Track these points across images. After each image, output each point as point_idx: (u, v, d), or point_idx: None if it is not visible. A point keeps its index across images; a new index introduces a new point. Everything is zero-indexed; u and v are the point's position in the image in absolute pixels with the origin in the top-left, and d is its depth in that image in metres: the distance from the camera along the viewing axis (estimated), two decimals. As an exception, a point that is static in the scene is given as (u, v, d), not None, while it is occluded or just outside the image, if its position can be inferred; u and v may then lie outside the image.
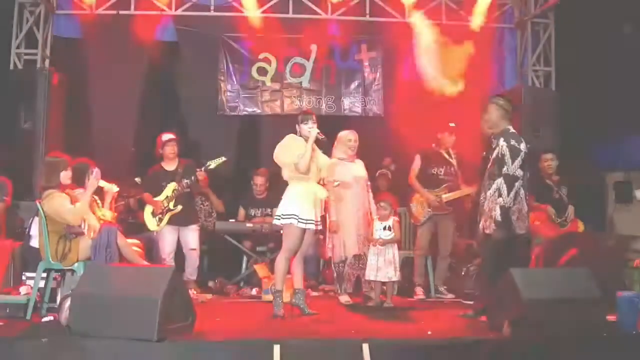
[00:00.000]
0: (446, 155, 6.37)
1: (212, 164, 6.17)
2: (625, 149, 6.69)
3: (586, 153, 7.25)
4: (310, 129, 5.22)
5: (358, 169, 5.99)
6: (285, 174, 5.27)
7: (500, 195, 4.83)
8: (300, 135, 5.30)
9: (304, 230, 5.15)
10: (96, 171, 5.09)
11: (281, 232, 5.39)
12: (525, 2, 7.62)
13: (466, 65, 7.34)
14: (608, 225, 7.11)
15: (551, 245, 5.62)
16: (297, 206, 5.10)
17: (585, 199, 6.95)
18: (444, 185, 6.30)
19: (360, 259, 5.83)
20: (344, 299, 5.83)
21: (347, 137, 5.96)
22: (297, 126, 5.32)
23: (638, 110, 6.61)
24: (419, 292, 6.22)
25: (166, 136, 6.37)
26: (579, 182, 6.80)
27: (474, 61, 7.42)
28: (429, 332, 4.54)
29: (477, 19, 7.46)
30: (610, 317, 4.56)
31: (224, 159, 6.24)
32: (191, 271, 6.32)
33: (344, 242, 5.78)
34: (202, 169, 6.17)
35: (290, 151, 5.17)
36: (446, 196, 6.27)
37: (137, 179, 6.78)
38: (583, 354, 4.17)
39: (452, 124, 6.40)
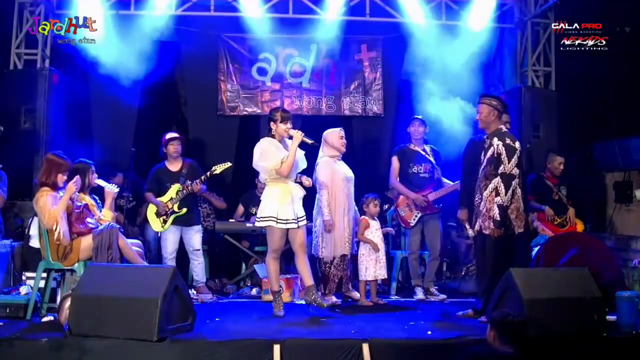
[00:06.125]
0: (423, 152, 6.34)
1: (218, 169, 6.19)
2: (625, 149, 6.68)
3: (586, 153, 7.25)
4: (291, 130, 5.21)
5: (347, 168, 5.96)
6: (263, 177, 5.28)
7: (498, 194, 4.84)
8: (275, 134, 5.26)
9: (285, 231, 5.17)
10: (76, 178, 5.06)
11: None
12: (526, 2, 7.62)
13: (466, 65, 7.36)
14: (608, 225, 7.10)
15: (551, 245, 5.62)
16: (274, 207, 5.12)
17: (585, 199, 6.96)
18: (429, 186, 6.27)
19: (344, 260, 5.82)
20: (332, 300, 5.76)
21: (340, 135, 5.87)
22: (272, 124, 5.25)
23: (638, 110, 6.61)
24: (419, 293, 6.21)
25: (170, 135, 6.41)
26: (578, 182, 6.81)
27: (474, 61, 7.44)
28: (429, 332, 4.55)
29: (477, 19, 7.45)
30: (610, 317, 4.57)
31: (229, 164, 6.25)
32: (199, 274, 6.31)
33: (334, 242, 5.75)
34: (208, 173, 6.17)
35: (271, 156, 5.14)
36: (433, 195, 6.24)
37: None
38: (583, 354, 4.17)
39: (419, 116, 6.41)
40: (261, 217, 5.19)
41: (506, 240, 4.92)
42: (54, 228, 4.89)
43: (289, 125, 5.25)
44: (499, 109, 5.05)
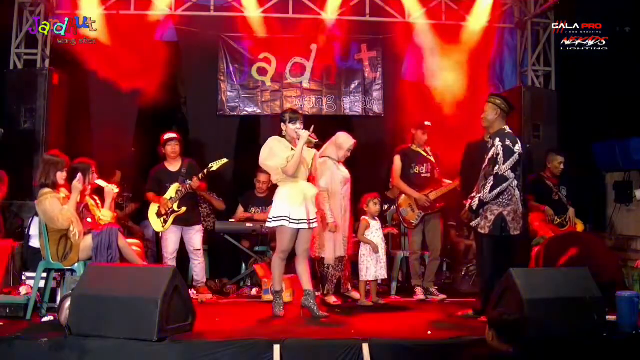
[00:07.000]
0: (424, 153, 6.35)
1: (215, 166, 6.18)
2: (625, 149, 6.68)
3: (586, 153, 7.25)
4: (299, 130, 5.20)
5: (345, 170, 5.94)
6: (274, 178, 5.27)
7: (484, 189, 4.86)
8: (286, 134, 5.27)
9: (296, 231, 5.15)
10: (79, 176, 5.07)
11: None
12: (526, 2, 7.62)
13: (466, 65, 7.36)
14: (608, 225, 7.10)
15: (551, 245, 5.61)
16: (287, 207, 5.10)
17: (585, 199, 6.96)
18: (429, 186, 6.27)
19: (342, 261, 5.82)
20: (331, 300, 5.78)
21: (348, 146, 5.84)
22: (282, 125, 5.27)
23: (638, 110, 6.61)
24: (419, 293, 6.21)
25: (168, 135, 6.39)
26: (578, 182, 6.81)
27: (473, 61, 7.44)
28: (429, 332, 4.55)
29: (477, 19, 7.46)
30: (610, 317, 4.57)
31: (226, 160, 6.25)
32: (199, 274, 6.31)
33: (334, 243, 5.73)
34: (205, 170, 6.17)
35: (277, 155, 5.14)
36: (434, 194, 6.24)
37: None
38: (583, 354, 4.17)
39: (427, 123, 6.39)
40: (273, 217, 5.15)
41: (503, 242, 4.93)
42: (70, 228, 4.89)
43: (297, 125, 5.23)
44: (503, 108, 5.04)
